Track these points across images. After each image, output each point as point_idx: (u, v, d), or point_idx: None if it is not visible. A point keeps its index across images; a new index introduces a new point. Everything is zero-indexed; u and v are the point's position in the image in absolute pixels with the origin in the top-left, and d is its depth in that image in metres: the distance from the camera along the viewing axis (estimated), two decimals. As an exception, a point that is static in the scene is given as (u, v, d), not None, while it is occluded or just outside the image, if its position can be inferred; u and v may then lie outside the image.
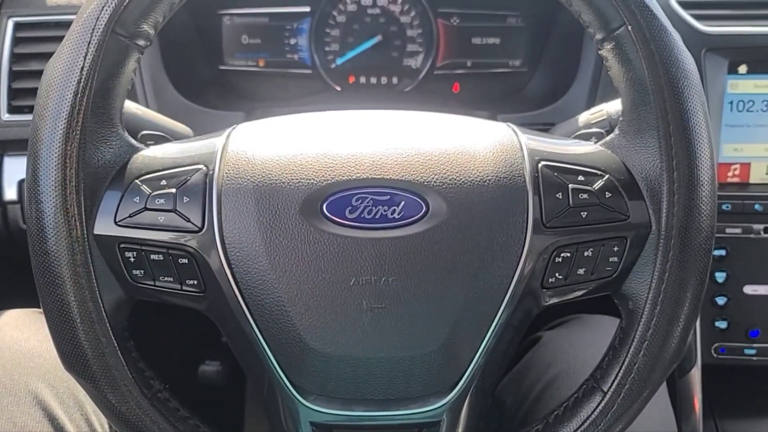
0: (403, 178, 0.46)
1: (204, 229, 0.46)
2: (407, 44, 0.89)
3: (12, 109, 0.78)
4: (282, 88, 0.92)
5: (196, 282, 0.47)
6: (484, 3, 0.88)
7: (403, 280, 0.46)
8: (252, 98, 0.90)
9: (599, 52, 0.49)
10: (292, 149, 0.48)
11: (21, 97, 0.78)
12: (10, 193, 0.79)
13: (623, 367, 0.48)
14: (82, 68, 0.45)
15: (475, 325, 0.47)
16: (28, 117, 0.76)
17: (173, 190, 0.47)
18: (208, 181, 0.47)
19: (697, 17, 0.75)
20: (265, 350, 0.47)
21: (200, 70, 0.88)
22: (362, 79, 0.90)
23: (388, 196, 0.46)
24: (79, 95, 0.45)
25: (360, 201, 0.46)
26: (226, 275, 0.46)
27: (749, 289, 0.75)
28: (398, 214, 0.46)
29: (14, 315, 0.67)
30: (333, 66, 0.89)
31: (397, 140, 0.48)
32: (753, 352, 0.76)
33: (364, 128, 0.50)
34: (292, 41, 0.89)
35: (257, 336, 0.47)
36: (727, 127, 0.77)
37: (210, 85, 0.88)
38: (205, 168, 0.47)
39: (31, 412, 0.59)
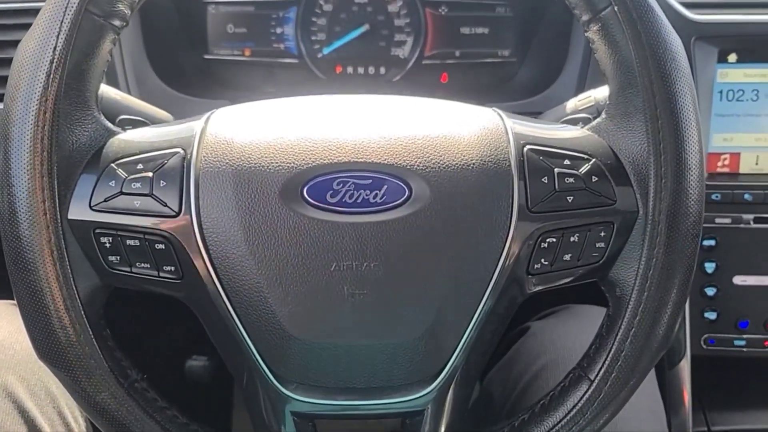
0: (385, 162, 0.45)
1: (181, 214, 0.45)
2: (395, 34, 0.88)
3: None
4: (268, 78, 0.90)
5: (173, 268, 0.46)
6: (473, -9, 0.87)
7: (386, 266, 0.45)
8: (237, 88, 0.89)
9: (585, 34, 0.48)
10: (272, 133, 0.46)
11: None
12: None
13: (610, 355, 0.48)
14: (55, 48, 0.44)
15: (459, 312, 0.46)
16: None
17: (150, 174, 0.46)
18: (185, 164, 0.46)
19: (687, 5, 0.75)
20: (244, 338, 0.46)
21: (184, 59, 0.87)
22: (349, 69, 0.89)
23: (371, 180, 0.45)
24: (51, 75, 0.43)
25: (341, 185, 0.45)
26: (204, 261, 0.45)
27: (739, 280, 0.75)
28: (380, 198, 0.45)
29: None
30: (320, 55, 0.88)
31: (380, 124, 0.47)
32: (742, 343, 0.75)
33: (346, 112, 0.49)
34: (279, 30, 0.88)
35: (236, 323, 0.46)
36: (717, 116, 0.76)
37: (194, 74, 0.87)
38: (182, 152, 0.46)
39: (1, 406, 0.58)
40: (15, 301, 0.45)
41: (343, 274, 0.44)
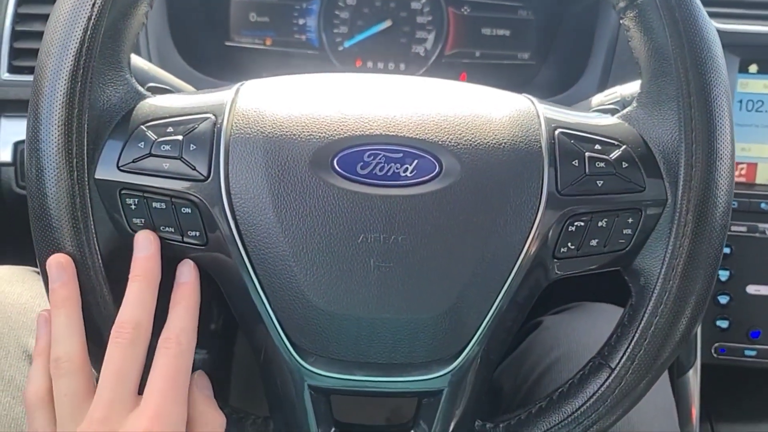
0: (417, 137, 0.45)
1: (210, 179, 0.45)
2: (416, 31, 0.88)
3: (12, 69, 0.76)
4: (287, 69, 0.90)
5: (197, 233, 0.46)
6: (496, -7, 0.88)
7: (413, 240, 0.44)
8: (256, 76, 0.89)
9: (621, 21, 0.49)
10: (304, 104, 0.46)
11: (22, 58, 0.77)
12: (5, 155, 0.77)
13: (632, 344, 0.47)
14: (94, 4, 0.43)
15: (484, 292, 0.46)
16: (29, 77, 0.75)
17: (180, 137, 0.45)
18: (216, 130, 0.46)
19: (711, 15, 0.74)
20: (265, 306, 0.46)
21: (206, 44, 0.87)
22: (369, 64, 0.89)
23: (401, 154, 0.45)
24: (89, 32, 0.43)
25: (372, 157, 0.45)
26: (230, 226, 0.45)
27: (752, 289, 0.74)
28: (411, 173, 0.45)
29: (6, 271, 0.65)
30: (341, 48, 0.89)
31: (412, 101, 0.47)
32: (754, 353, 0.75)
33: (378, 89, 0.49)
34: (301, 21, 0.89)
35: (258, 292, 0.45)
36: (736, 126, 0.76)
37: (215, 59, 0.87)
38: (213, 117, 0.46)
39: (20, 366, 0.57)
40: (36, 268, 0.45)
41: (370, 246, 0.44)
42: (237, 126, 0.46)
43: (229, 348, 1.04)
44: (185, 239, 0.46)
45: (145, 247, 0.45)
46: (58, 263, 0.43)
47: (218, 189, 0.45)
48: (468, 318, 0.46)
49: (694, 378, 0.76)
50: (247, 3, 0.89)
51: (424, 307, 0.45)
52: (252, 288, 0.45)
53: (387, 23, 0.88)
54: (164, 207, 0.45)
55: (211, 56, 0.87)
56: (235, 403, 0.53)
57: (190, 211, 0.45)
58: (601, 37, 0.80)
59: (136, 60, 0.56)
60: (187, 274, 0.46)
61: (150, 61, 0.77)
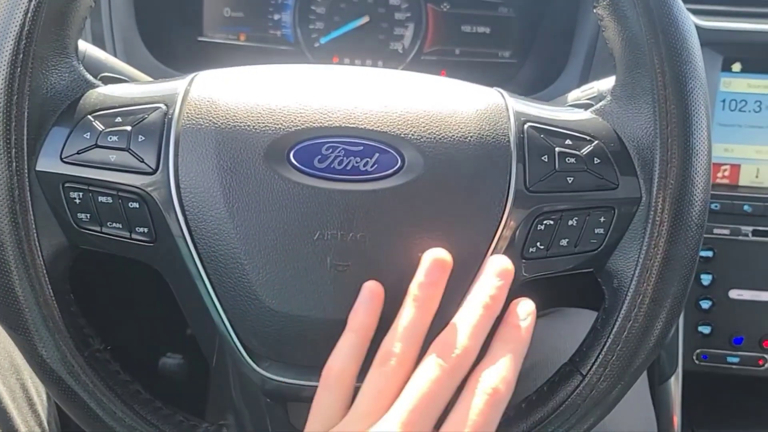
0: (379, 129, 0.43)
1: (158, 171, 0.42)
2: (395, 27, 0.86)
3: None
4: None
5: (146, 230, 0.43)
6: (476, -10, 0.86)
7: (372, 237, 0.42)
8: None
9: (594, 11, 0.46)
10: (261, 95, 0.44)
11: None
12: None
13: (604, 349, 0.45)
14: None
15: (448, 293, 0.43)
16: None
17: (128, 128, 0.43)
18: (167, 120, 0.43)
19: (695, 12, 0.73)
20: (216, 308, 0.43)
21: (177, 39, 0.85)
22: (346, 61, 0.87)
23: (362, 147, 0.43)
24: (29, 14, 0.41)
25: (331, 150, 0.43)
26: (179, 222, 0.42)
27: (735, 294, 0.72)
28: (371, 167, 0.42)
29: None
30: (317, 45, 0.86)
31: (375, 93, 0.45)
32: (736, 360, 0.73)
33: (339, 80, 0.47)
34: (276, 17, 0.86)
35: (209, 292, 0.43)
36: (719, 126, 0.75)
37: (186, 54, 0.85)
38: (164, 107, 0.44)
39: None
40: None
41: (327, 244, 0.42)
42: (189, 116, 0.43)
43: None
44: (133, 236, 0.44)
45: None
46: None
47: (167, 182, 0.42)
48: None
49: (675, 385, 0.74)
50: (221, -3, 0.87)
51: (383, 307, 0.43)
52: (202, 288, 0.43)
53: (364, 19, 0.85)
54: (111, 201, 0.43)
55: (182, 52, 0.85)
56: (212, 410, 0.50)
57: (138, 206, 0.43)
58: (581, 33, 0.79)
59: (91, 49, 0.54)
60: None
61: (114, 52, 0.74)
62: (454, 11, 0.86)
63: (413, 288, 0.41)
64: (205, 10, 0.87)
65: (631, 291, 0.44)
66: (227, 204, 0.42)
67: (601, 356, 0.45)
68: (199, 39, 0.87)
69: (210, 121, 0.43)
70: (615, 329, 0.45)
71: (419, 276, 0.41)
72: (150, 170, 0.42)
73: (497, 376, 0.39)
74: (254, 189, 0.42)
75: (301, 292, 0.42)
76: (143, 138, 0.43)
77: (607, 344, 0.45)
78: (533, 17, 0.85)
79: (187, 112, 0.43)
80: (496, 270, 0.42)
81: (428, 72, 0.85)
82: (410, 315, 0.40)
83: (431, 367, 0.39)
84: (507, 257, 0.42)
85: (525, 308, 0.42)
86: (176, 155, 0.42)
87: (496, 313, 0.41)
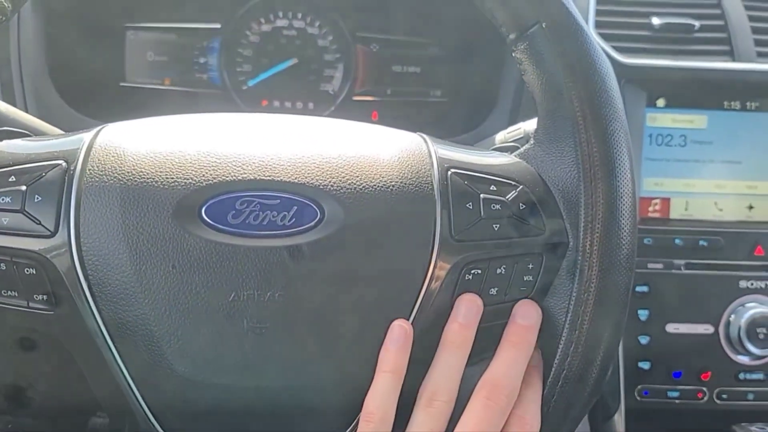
0: (296, 181, 0.41)
1: (57, 233, 0.39)
2: (324, 68, 0.85)
3: None
4: (189, 111, 0.85)
5: (45, 297, 0.40)
6: (405, 30, 0.85)
7: (292, 296, 0.40)
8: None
9: (513, 54, 0.46)
10: (170, 146, 0.42)
11: None
12: None
13: (541, 399, 0.43)
14: None
15: (376, 351, 0.41)
16: None
17: (23, 188, 0.40)
18: (67, 178, 0.40)
19: (618, 49, 0.74)
20: (126, 379, 0.40)
21: (97, 87, 0.81)
22: (276, 103, 0.85)
23: (278, 201, 0.41)
24: None
25: (245, 205, 0.40)
26: (82, 288, 0.39)
27: (671, 328, 0.72)
28: (289, 221, 0.40)
29: None
30: (245, 87, 0.84)
31: (291, 142, 0.43)
32: (676, 394, 0.72)
33: (254, 129, 0.45)
34: (201, 60, 0.84)
35: (117, 362, 0.40)
36: (648, 160, 0.75)
37: (108, 100, 0.81)
38: (64, 164, 0.41)
39: None
40: None
41: (243, 305, 0.39)
42: (92, 173, 0.40)
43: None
44: (31, 304, 0.40)
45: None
46: None
47: (67, 244, 0.39)
48: (359, 384, 0.41)
49: (618, 423, 0.73)
50: (143, 41, 0.84)
51: (307, 372, 0.40)
52: (109, 358, 0.40)
53: (292, 61, 0.84)
54: (4, 268, 0.40)
55: (104, 99, 0.81)
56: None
57: (35, 272, 0.39)
58: (509, 72, 0.79)
59: (-10, 102, 0.50)
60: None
61: (25, 102, 0.70)
62: (384, 51, 0.86)
63: (450, 330, 0.42)
64: (127, 55, 0.84)
65: (563, 340, 0.43)
66: (134, 266, 0.39)
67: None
68: (122, 84, 0.84)
69: (115, 177, 0.40)
70: (549, 380, 0.43)
71: (456, 317, 0.42)
72: (48, 233, 0.39)
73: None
74: (163, 249, 0.39)
75: (217, 358, 0.39)
76: (40, 198, 0.40)
77: (543, 396, 0.43)
78: (463, 56, 0.85)
79: (90, 168, 0.41)
80: (523, 315, 0.44)
81: (359, 112, 0.86)
82: (449, 355, 0.42)
83: (482, 407, 0.42)
84: (532, 302, 0.44)
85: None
86: (77, 215, 0.39)
87: (529, 351, 0.44)
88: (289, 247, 0.40)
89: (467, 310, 0.42)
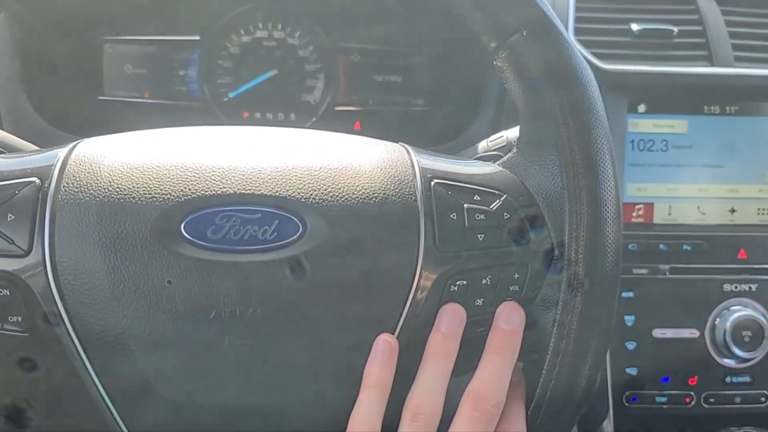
0: (277, 195, 0.40)
1: (31, 253, 0.38)
2: (305, 79, 0.84)
3: None
4: (169, 124, 0.84)
5: (19, 318, 0.39)
6: (387, 40, 0.85)
7: (274, 312, 0.39)
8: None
9: (494, 63, 0.46)
10: (148, 160, 0.41)
11: None
12: None
13: (528, 413, 0.43)
14: None
15: (361, 365, 0.40)
16: None
17: None
18: (41, 195, 0.39)
19: (598, 55, 0.74)
20: (105, 401, 0.39)
21: (75, 101, 0.80)
22: (257, 115, 0.84)
23: (260, 215, 0.40)
24: None
25: (226, 220, 0.40)
26: (58, 309, 0.38)
27: (658, 333, 0.72)
28: (270, 235, 0.40)
29: None
30: (225, 99, 0.83)
31: (272, 154, 0.42)
32: (664, 399, 0.72)
33: (234, 142, 0.44)
34: (181, 72, 0.83)
35: (95, 384, 0.39)
36: (630, 166, 0.75)
37: (85, 115, 0.80)
38: (38, 181, 0.40)
39: None
40: None
41: (224, 323, 0.38)
42: (66, 189, 0.39)
43: None
44: (5, 326, 0.39)
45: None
46: None
47: (41, 264, 0.38)
48: (344, 400, 0.40)
49: (608, 428, 0.73)
50: (122, 54, 0.83)
51: (291, 389, 0.39)
52: (87, 380, 0.39)
53: (273, 72, 0.83)
54: None
55: (81, 113, 0.80)
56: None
57: (8, 293, 0.38)
58: (492, 80, 0.79)
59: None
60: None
61: (0, 122, 0.69)
62: (365, 61, 0.85)
63: (434, 340, 0.42)
64: (105, 68, 0.83)
65: (551, 349, 0.42)
66: (111, 285, 0.38)
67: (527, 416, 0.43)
68: (100, 98, 0.82)
69: (91, 193, 0.39)
70: (538, 390, 0.43)
71: (439, 327, 0.42)
72: (21, 252, 0.38)
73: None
74: (142, 267, 0.38)
75: (199, 377, 0.39)
76: (12, 217, 0.39)
77: (532, 406, 0.43)
78: (444, 65, 0.85)
79: (65, 185, 0.40)
80: (506, 319, 0.43)
81: (342, 123, 0.85)
82: (434, 367, 0.42)
83: (468, 418, 0.42)
84: (515, 304, 0.43)
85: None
86: (51, 234, 0.38)
87: (514, 357, 0.43)
88: (271, 262, 0.39)
89: (450, 320, 0.42)
